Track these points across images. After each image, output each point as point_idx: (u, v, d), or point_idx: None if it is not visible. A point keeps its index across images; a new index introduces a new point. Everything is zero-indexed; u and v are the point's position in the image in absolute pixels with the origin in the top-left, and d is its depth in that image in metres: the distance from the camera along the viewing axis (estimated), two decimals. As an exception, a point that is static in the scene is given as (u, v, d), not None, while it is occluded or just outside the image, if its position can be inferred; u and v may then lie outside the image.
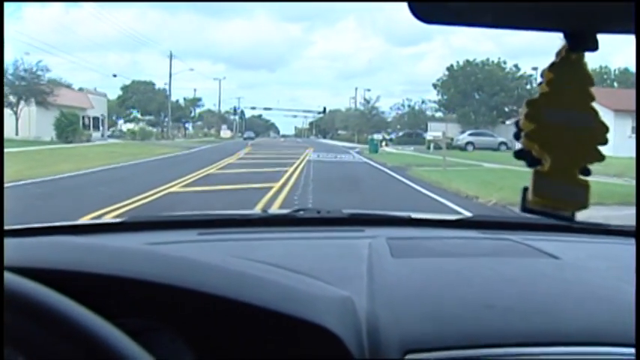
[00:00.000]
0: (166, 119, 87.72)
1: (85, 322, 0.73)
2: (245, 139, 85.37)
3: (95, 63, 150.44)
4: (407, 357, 0.98)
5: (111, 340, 0.72)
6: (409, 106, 75.86)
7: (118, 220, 2.06)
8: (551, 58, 0.84)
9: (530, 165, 0.82)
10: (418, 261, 1.55)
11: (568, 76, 0.83)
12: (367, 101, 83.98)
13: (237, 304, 0.95)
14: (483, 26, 0.79)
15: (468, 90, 61.49)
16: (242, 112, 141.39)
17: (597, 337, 1.03)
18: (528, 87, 61.81)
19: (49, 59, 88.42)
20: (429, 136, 53.24)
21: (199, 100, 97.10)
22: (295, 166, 26.93)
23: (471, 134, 51.96)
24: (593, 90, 0.83)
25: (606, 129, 0.83)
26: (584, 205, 0.83)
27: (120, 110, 79.11)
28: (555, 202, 0.82)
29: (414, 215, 2.33)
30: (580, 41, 0.81)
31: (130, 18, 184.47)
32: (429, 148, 50.69)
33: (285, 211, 2.30)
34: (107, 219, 2.85)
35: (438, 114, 71.04)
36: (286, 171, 23.11)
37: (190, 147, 48.80)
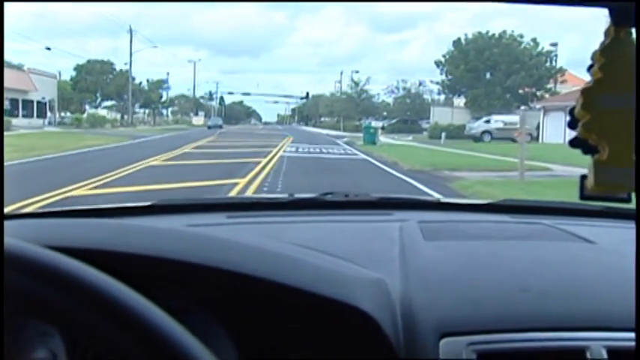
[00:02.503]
0: (136, 104, 76.24)
1: (125, 298, 0.70)
2: (210, 127, 65.92)
3: (73, 49, 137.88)
4: (443, 340, 0.94)
5: (151, 318, 0.69)
6: (404, 88, 63.87)
7: (146, 203, 1.93)
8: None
9: (585, 153, 0.80)
10: (451, 244, 1.47)
11: (620, 56, 0.79)
12: (356, 83, 71.65)
13: (273, 286, 0.93)
14: (528, 2, 0.79)
15: (481, 68, 49.91)
16: (221, 98, 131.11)
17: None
18: (548, 65, 50.50)
19: (24, 46, 75.79)
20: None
21: (165, 82, 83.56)
22: (257, 170, 16.34)
23: (487, 121, 40.57)
24: None
25: None
26: None
27: (75, 94, 66.55)
28: (615, 187, 0.81)
29: (443, 200, 2.40)
30: (623, 16, 0.78)
31: (110, 3, 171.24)
32: (438, 137, 39.67)
33: (312, 195, 2.15)
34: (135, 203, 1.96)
35: (440, 97, 59.70)
36: (235, 185, 12.53)
37: (140, 136, 37.78)
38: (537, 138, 40.79)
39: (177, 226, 1.50)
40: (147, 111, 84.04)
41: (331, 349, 0.95)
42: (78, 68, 67.57)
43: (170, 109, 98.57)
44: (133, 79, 72.60)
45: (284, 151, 25.44)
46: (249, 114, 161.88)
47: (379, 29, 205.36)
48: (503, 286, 1.14)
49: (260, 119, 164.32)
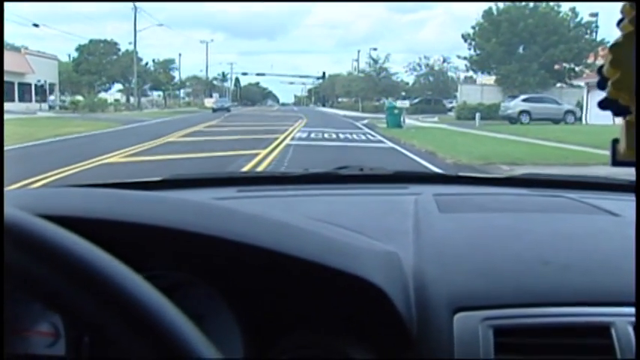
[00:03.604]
0: (145, 86, 71.51)
1: (119, 279, 0.60)
2: (215, 110, 56.10)
3: (92, 35, 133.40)
4: (457, 315, 0.89)
5: (138, 294, 0.59)
6: (427, 65, 58.22)
7: (157, 178, 1.89)
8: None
9: (616, 114, 0.74)
10: (467, 216, 1.40)
11: None
12: (375, 61, 65.60)
13: (276, 256, 0.88)
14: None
15: (514, 41, 44.05)
16: (237, 79, 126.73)
17: None
18: (587, 37, 44.86)
19: (39, 31, 70.78)
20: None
21: (172, 62, 78.20)
22: (247, 168, 11.56)
23: (526, 100, 35.25)
24: None
25: None
26: None
27: (78, 76, 61.48)
28: None
29: (460, 174, 2.25)
30: None
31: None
32: (467, 118, 34.71)
33: (326, 170, 2.09)
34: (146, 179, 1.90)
35: (467, 74, 54.16)
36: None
37: (136, 121, 33.62)
38: (580, 119, 35.70)
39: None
40: (160, 93, 79.56)
41: (340, 322, 0.90)
42: (80, 49, 62.77)
43: (182, 91, 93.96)
44: (140, 59, 68.01)
45: (292, 139, 20.76)
46: (266, 95, 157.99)
47: (395, 9, 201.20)
48: (522, 258, 1.07)
49: (277, 100, 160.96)
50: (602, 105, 0.73)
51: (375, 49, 72.92)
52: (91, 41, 63.45)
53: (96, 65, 61.74)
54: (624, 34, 0.70)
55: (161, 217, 0.89)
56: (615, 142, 0.73)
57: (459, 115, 39.95)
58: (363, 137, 22.95)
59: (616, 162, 0.73)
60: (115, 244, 0.67)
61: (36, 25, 46.74)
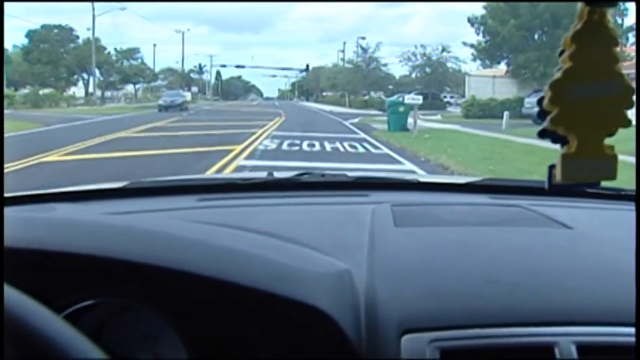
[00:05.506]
0: (110, 78, 63.52)
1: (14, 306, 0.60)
2: (163, 108, 39.58)
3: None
4: (404, 337, 0.88)
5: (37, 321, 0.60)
6: (424, 55, 50.60)
7: (118, 185, 1.85)
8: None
9: (554, 142, 0.75)
10: (421, 230, 1.41)
11: (592, 41, 0.73)
12: (364, 50, 57.66)
13: (220, 284, 0.89)
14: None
15: (535, 24, 36.30)
16: (218, 72, 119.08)
17: (615, 316, 0.90)
18: (618, 21, 37.70)
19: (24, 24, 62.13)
20: None
21: (136, 51, 68.98)
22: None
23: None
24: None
25: (632, 91, 0.74)
26: (612, 177, 0.75)
27: (28, 67, 53.21)
28: (584, 179, 0.76)
29: (422, 179, 2.20)
30: None
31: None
32: (478, 117, 27.37)
33: (289, 175, 2.06)
34: (107, 185, 1.87)
35: (470, 65, 46.64)
36: None
37: (69, 120, 26.72)
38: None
39: (145, 210, 1.46)
40: (138, 87, 71.52)
41: (286, 345, 0.90)
42: (29, 35, 54.36)
43: (158, 83, 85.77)
44: (104, 48, 59.98)
45: (250, 154, 13.37)
46: (248, 89, 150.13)
47: (381, 3, 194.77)
48: (471, 277, 1.06)
49: (261, 94, 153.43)
50: (541, 135, 0.74)
51: (363, 38, 65.33)
52: (43, 27, 54.87)
53: (48, 54, 53.47)
54: (563, 69, 0.71)
55: (103, 247, 0.89)
56: (551, 167, 0.74)
57: (468, 113, 32.66)
58: (360, 148, 15.51)
59: (552, 186, 0.74)
60: (55, 271, 0.70)
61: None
